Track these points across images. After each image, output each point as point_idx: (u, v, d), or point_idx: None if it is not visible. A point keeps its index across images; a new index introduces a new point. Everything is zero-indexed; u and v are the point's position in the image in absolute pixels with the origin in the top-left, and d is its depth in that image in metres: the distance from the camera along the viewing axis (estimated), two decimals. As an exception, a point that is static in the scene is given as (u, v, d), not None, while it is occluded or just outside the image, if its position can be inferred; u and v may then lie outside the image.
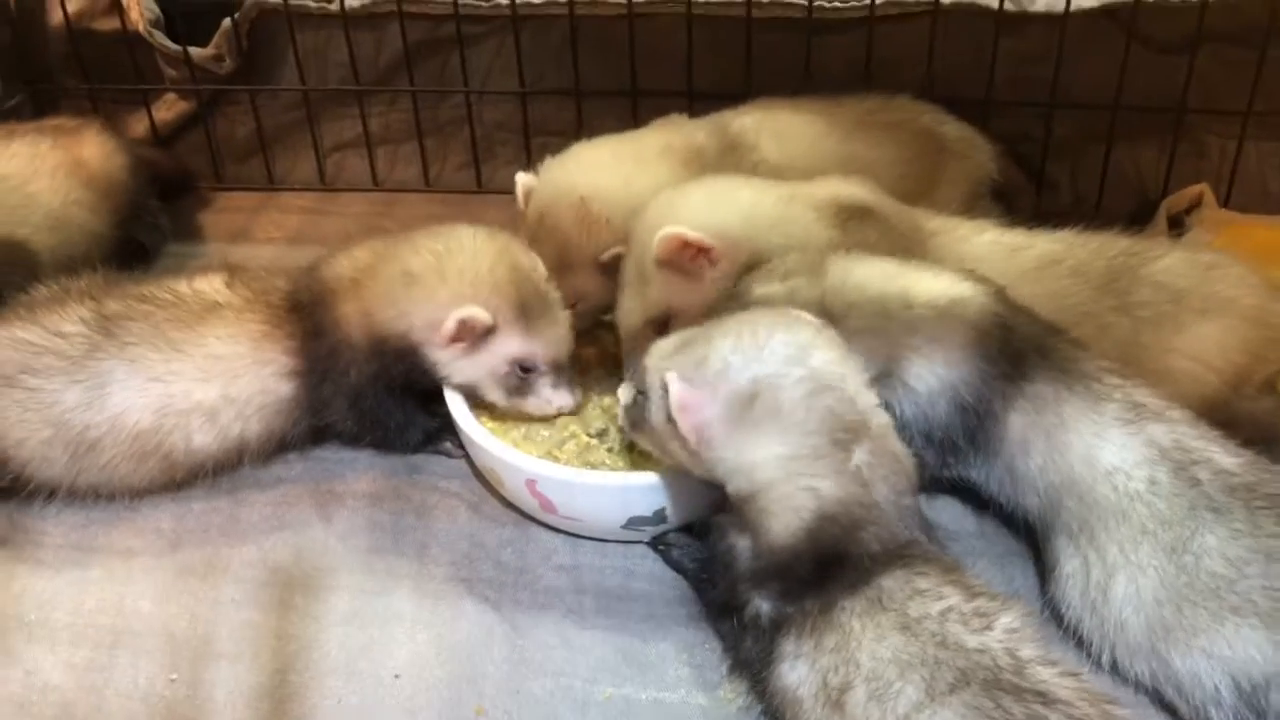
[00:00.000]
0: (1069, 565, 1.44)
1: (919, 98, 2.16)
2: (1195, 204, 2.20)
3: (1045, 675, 1.18)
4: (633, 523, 1.56)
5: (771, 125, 1.98)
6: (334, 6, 2.39)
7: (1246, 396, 1.61)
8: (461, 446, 1.74)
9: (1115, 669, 1.40)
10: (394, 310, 1.65)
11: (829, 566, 1.29)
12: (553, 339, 1.66)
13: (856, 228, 1.68)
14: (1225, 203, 2.22)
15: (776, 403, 1.32)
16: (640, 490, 1.52)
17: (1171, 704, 1.36)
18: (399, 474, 1.75)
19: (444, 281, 1.62)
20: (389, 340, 1.66)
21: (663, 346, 1.43)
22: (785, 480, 1.32)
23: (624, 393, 1.50)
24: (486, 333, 1.62)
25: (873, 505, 1.31)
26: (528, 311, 1.63)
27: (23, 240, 1.96)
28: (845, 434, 1.32)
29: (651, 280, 1.67)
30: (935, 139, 2.04)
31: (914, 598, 1.25)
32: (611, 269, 1.77)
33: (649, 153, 1.88)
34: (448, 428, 1.74)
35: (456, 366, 1.65)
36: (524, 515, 1.67)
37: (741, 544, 1.36)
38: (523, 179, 1.89)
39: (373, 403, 1.71)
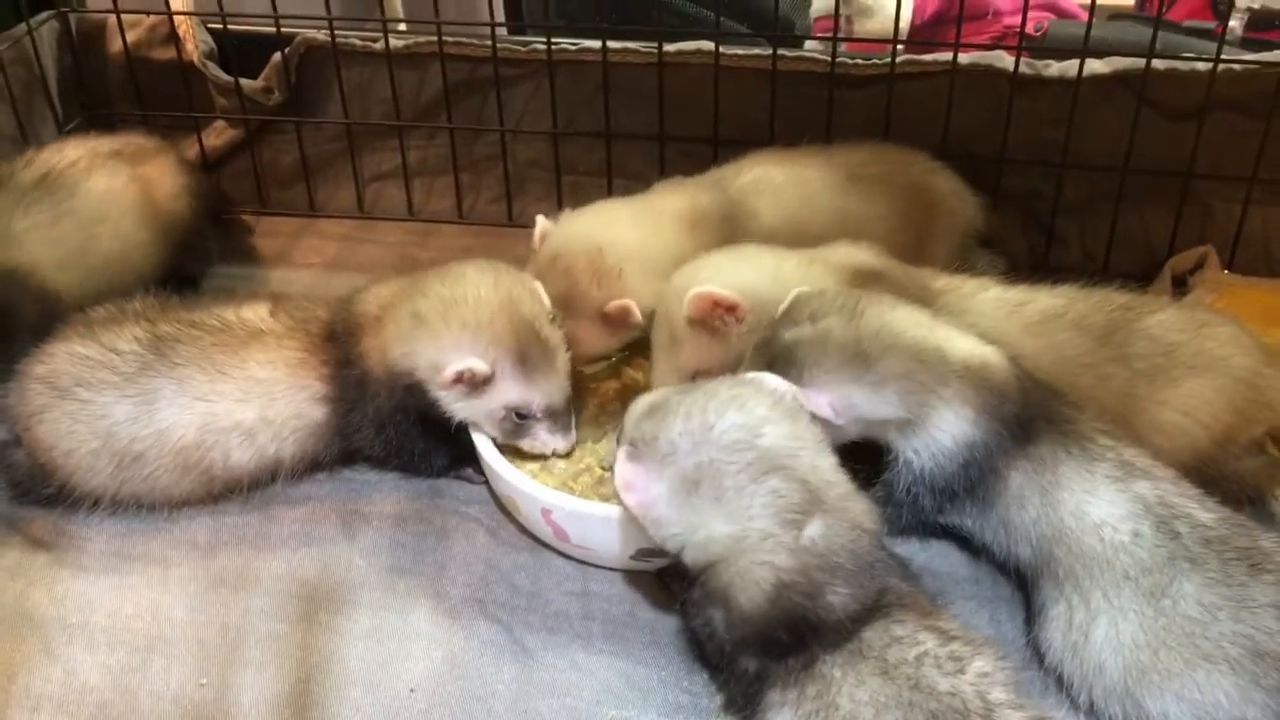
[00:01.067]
0: (1054, 609, 1.51)
1: (936, 153, 2.23)
2: (1199, 265, 2.26)
3: (1013, 719, 1.24)
4: (641, 554, 1.63)
5: (769, 183, 2.04)
6: (379, 45, 2.50)
7: (1234, 455, 1.68)
8: (483, 473, 1.83)
9: (1093, 711, 1.46)
10: (403, 349, 1.72)
11: (805, 631, 1.33)
12: (549, 388, 1.72)
13: (873, 290, 1.72)
14: (1229, 265, 2.27)
15: (720, 489, 1.34)
16: (649, 523, 1.59)
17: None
18: (422, 497, 1.84)
19: (448, 328, 1.69)
20: (399, 375, 1.74)
21: (637, 407, 1.47)
22: (738, 556, 1.35)
23: (610, 452, 1.54)
24: (485, 381, 1.69)
25: (834, 569, 1.33)
26: (526, 361, 1.69)
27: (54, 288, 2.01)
28: (794, 515, 1.34)
29: (682, 341, 1.74)
30: (925, 192, 2.10)
31: (892, 645, 1.31)
32: (611, 322, 1.84)
33: (663, 218, 1.95)
34: (470, 455, 1.81)
35: (456, 406, 1.72)
36: (539, 542, 1.75)
37: (717, 616, 1.39)
38: (542, 222, 1.96)
39: (397, 432, 1.79)
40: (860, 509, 1.40)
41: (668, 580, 1.67)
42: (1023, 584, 1.62)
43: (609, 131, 2.48)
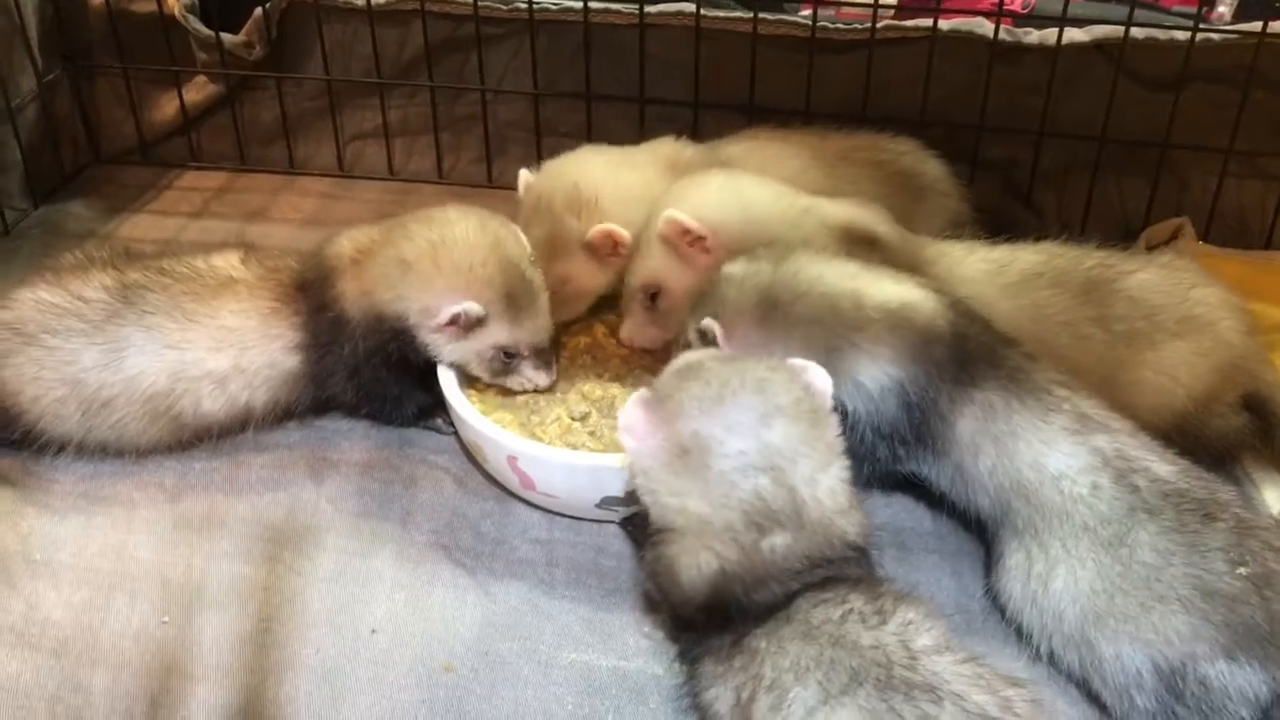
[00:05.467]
0: (1013, 559, 1.52)
1: (916, 120, 2.25)
2: (1175, 236, 2.28)
3: (939, 665, 1.20)
4: (606, 502, 1.64)
5: (759, 155, 2.04)
6: (360, 1, 2.49)
7: (1217, 414, 1.68)
8: (451, 424, 1.83)
9: (1051, 660, 1.47)
10: (391, 293, 1.73)
11: (736, 615, 1.31)
12: (535, 328, 1.76)
13: (861, 251, 1.73)
14: (1204, 236, 2.29)
15: (705, 465, 1.31)
16: (614, 471, 1.59)
17: (1097, 693, 1.42)
18: (391, 446, 1.84)
19: (439, 272, 1.71)
20: (385, 319, 1.75)
21: (674, 364, 1.43)
22: (693, 534, 1.33)
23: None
24: (478, 322, 1.71)
25: (784, 572, 1.30)
26: (514, 303, 1.73)
27: None
28: (765, 520, 1.29)
29: (648, 253, 1.80)
30: (914, 178, 2.11)
31: (818, 606, 1.28)
32: (598, 251, 1.86)
33: (640, 156, 1.99)
34: (440, 406, 1.82)
35: (447, 349, 1.75)
36: (505, 491, 1.75)
37: (660, 582, 1.39)
38: (525, 174, 1.99)
39: (370, 376, 1.80)
40: (844, 525, 1.33)
41: (631, 529, 1.68)
42: (983, 535, 1.63)
43: (589, 93, 2.48)
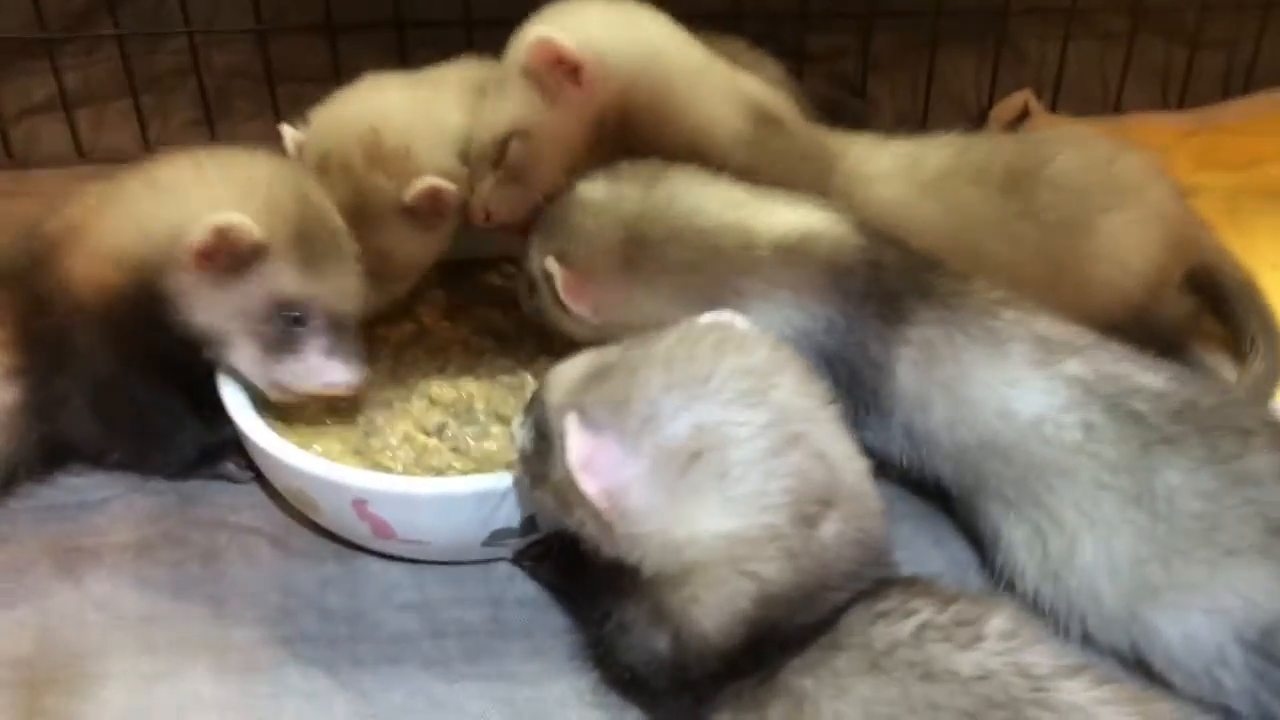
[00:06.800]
0: (1015, 534, 1.26)
1: (731, 13, 2.00)
2: (1023, 113, 2.12)
3: (1077, 694, 0.92)
4: (495, 537, 1.26)
5: None
6: (3, -65, 1.94)
7: (1168, 302, 1.53)
8: (250, 465, 1.39)
9: (1086, 641, 1.22)
10: (131, 226, 1.30)
11: (773, 647, 1.02)
12: (340, 287, 1.32)
13: (769, 133, 1.51)
14: (1052, 108, 2.14)
15: (725, 464, 1.00)
16: (504, 496, 1.21)
17: (1161, 674, 1.17)
18: (169, 512, 1.41)
19: (203, 185, 1.29)
20: (123, 280, 1.30)
21: (567, 373, 1.09)
22: (720, 564, 1.01)
23: (520, 434, 1.14)
24: (252, 255, 1.25)
25: (837, 573, 1.03)
26: (310, 243, 1.29)
27: None
28: (814, 505, 1.01)
29: (508, 90, 1.44)
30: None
31: (877, 623, 1.00)
32: (421, 214, 1.46)
33: (446, 81, 1.58)
34: (229, 442, 1.39)
35: (202, 298, 1.28)
36: (347, 544, 1.35)
37: (660, 644, 1.06)
38: (289, 131, 1.54)
39: (122, 396, 1.36)
40: (872, 489, 1.08)
41: (530, 565, 1.31)
42: (947, 504, 1.38)
43: (331, 22, 2.06)
